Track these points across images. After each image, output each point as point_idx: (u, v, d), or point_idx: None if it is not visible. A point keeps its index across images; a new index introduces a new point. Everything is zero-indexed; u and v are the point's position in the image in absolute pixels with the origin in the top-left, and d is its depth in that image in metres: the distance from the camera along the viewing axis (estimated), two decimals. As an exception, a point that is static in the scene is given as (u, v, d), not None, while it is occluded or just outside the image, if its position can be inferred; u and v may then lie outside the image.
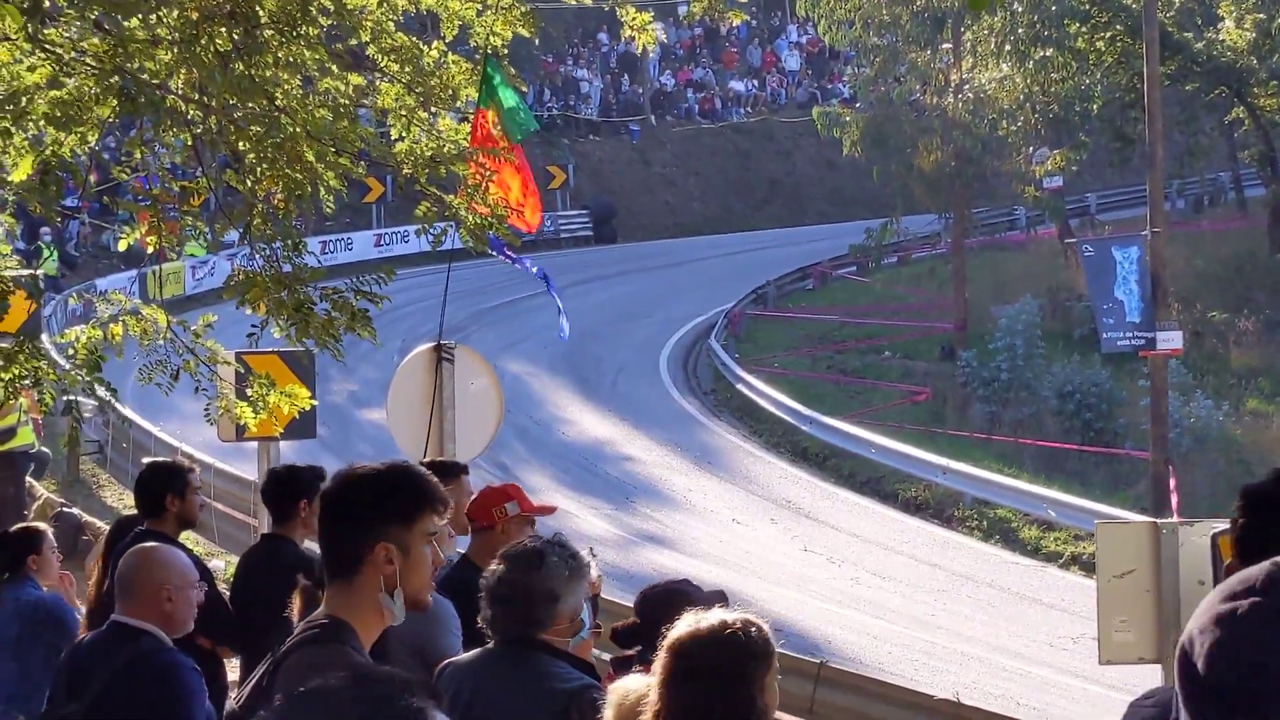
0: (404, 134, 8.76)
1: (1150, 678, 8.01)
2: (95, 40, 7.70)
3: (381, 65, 8.75)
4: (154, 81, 7.63)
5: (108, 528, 9.23)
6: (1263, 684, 1.98)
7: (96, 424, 22.39)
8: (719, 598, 5.26)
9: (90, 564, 7.59)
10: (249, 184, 8.19)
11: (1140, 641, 7.88)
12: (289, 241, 8.22)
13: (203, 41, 7.50)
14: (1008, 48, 34.07)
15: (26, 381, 8.17)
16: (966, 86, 35.33)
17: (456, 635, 5.59)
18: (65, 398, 8.48)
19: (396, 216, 41.35)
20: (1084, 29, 34.09)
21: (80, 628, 6.90)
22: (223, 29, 7.62)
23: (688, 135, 53.73)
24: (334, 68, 8.55)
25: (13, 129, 7.79)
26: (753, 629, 3.59)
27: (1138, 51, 28.61)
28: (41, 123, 7.76)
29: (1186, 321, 29.44)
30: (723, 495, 23.65)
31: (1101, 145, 37.47)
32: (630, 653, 5.48)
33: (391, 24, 8.81)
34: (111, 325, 8.49)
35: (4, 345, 8.38)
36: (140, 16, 7.57)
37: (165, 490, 7.27)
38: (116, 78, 7.40)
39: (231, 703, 4.70)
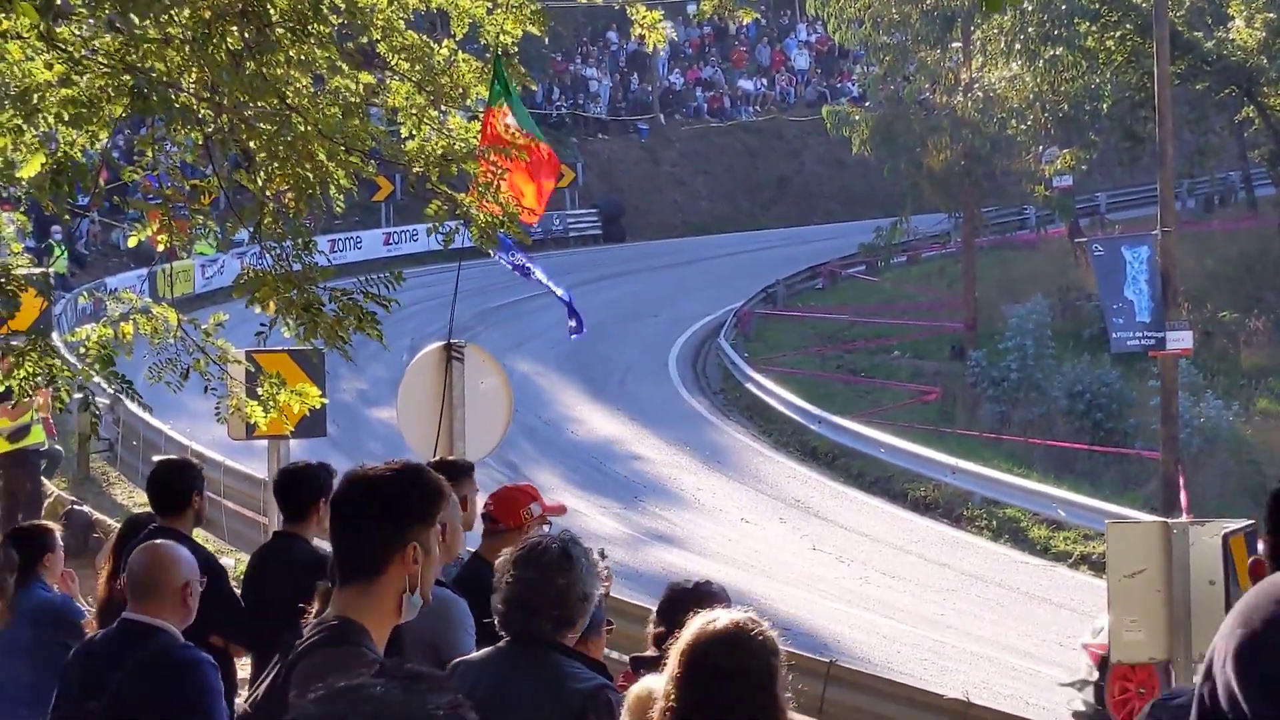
0: (414, 132, 8.76)
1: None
2: (107, 39, 7.71)
3: (392, 64, 8.76)
4: (165, 80, 7.63)
5: (118, 525, 9.23)
6: None
7: (107, 422, 22.44)
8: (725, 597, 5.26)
9: (101, 562, 7.58)
10: (259, 183, 8.20)
11: (1151, 641, 7.88)
12: (299, 240, 8.23)
13: (214, 40, 7.52)
14: (1017, 46, 34.01)
15: (40, 380, 8.18)
16: (976, 85, 35.29)
17: (470, 634, 5.58)
18: (79, 395, 8.47)
19: (405, 215, 41.39)
20: (1094, 28, 33.99)
21: (89, 626, 6.89)
22: (234, 28, 7.63)
23: (696, 134, 53.69)
24: (345, 66, 8.55)
25: (24, 126, 7.80)
26: (766, 627, 3.62)
27: (1148, 50, 28.58)
28: (53, 120, 7.76)
29: (1197, 321, 29.40)
30: (732, 494, 23.65)
31: (1111, 144, 37.38)
32: (651, 653, 5.46)
33: (402, 22, 8.82)
34: (122, 324, 8.50)
35: (16, 343, 8.39)
36: (152, 15, 7.58)
37: (190, 487, 7.27)
38: (128, 76, 7.40)
39: (241, 702, 4.69)
